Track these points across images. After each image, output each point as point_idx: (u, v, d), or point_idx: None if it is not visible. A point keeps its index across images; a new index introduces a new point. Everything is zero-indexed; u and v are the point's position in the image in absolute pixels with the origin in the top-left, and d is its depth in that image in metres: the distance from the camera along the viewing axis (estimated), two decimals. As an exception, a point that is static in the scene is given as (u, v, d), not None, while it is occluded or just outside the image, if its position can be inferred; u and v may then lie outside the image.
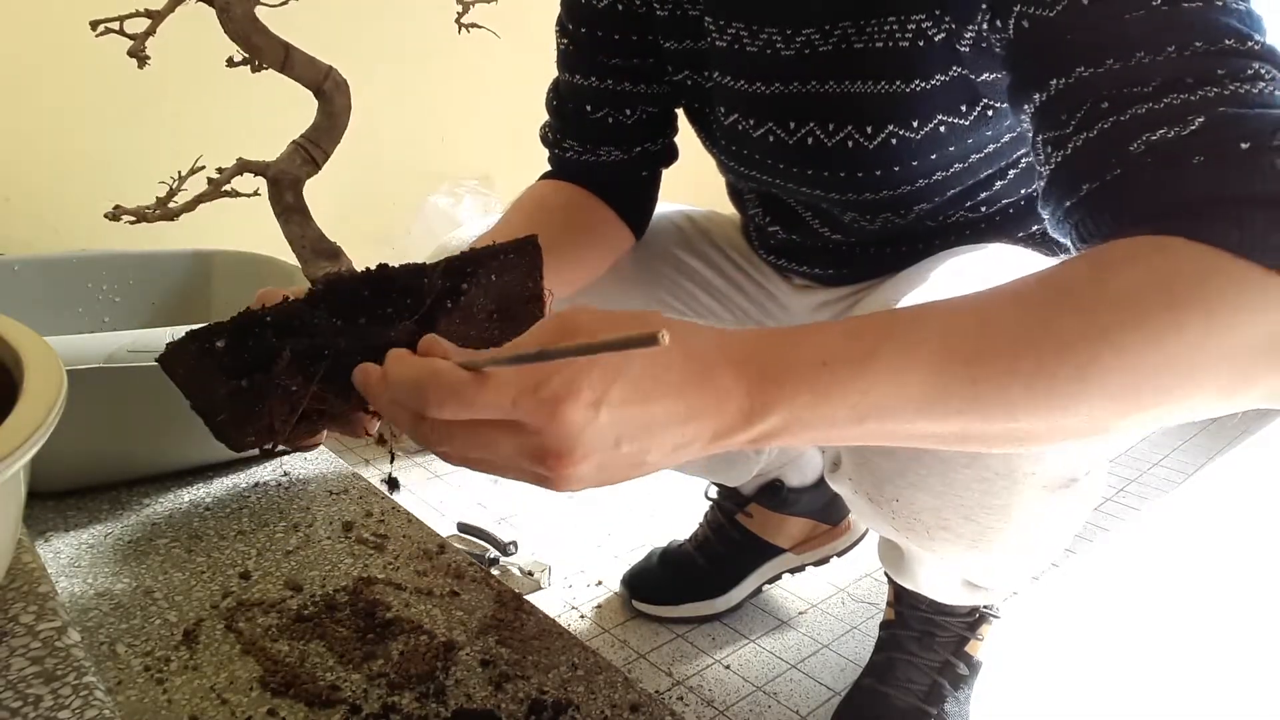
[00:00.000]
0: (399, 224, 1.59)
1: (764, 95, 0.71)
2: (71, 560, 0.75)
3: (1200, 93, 0.43)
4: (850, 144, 0.68)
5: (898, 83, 0.64)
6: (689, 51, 0.76)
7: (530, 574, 1.14)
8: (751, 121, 0.73)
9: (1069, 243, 0.49)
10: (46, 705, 0.39)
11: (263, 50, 0.45)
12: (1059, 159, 0.48)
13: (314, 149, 0.49)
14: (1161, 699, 0.98)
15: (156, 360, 0.52)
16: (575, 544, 1.25)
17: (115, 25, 0.44)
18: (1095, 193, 0.46)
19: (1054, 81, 0.49)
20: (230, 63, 0.44)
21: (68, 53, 1.25)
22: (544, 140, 0.85)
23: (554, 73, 0.84)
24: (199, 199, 0.47)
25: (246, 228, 1.44)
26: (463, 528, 1.22)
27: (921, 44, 0.61)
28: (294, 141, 0.49)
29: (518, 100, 1.64)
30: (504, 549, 1.17)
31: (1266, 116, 0.41)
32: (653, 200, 0.87)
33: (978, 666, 0.90)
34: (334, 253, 0.50)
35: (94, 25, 0.44)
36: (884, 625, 0.93)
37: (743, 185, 0.86)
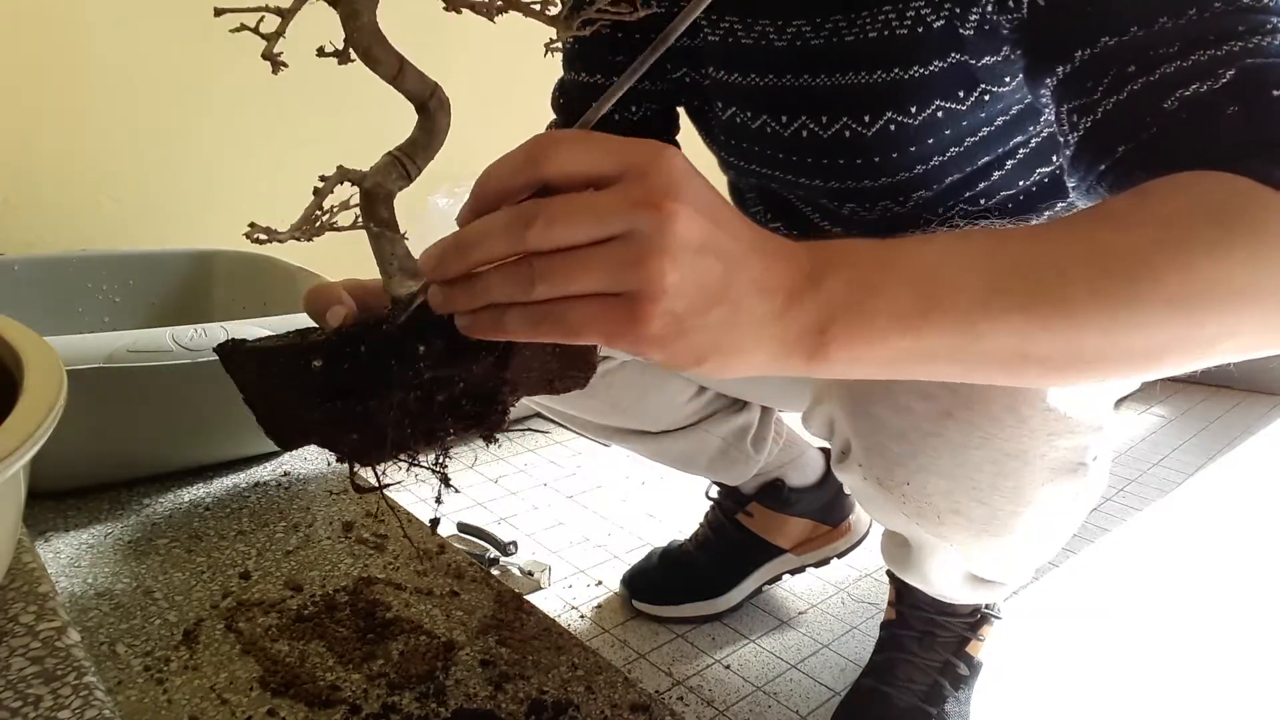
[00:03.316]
0: (401, 221, 1.59)
1: (759, 87, 0.71)
2: (71, 560, 0.75)
3: (1225, 48, 0.45)
4: (848, 133, 0.68)
5: (895, 70, 0.64)
6: (687, 49, 0.76)
7: (530, 574, 1.14)
8: (748, 114, 0.74)
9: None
10: (46, 705, 0.39)
11: (380, 62, 0.44)
12: (1088, 124, 0.49)
13: (409, 163, 0.47)
14: (1162, 699, 0.98)
15: (217, 353, 0.50)
16: (575, 544, 1.25)
17: (250, 22, 0.42)
18: (1132, 152, 0.47)
19: (1078, 53, 0.50)
20: (321, 52, 0.43)
21: (68, 53, 1.25)
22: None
23: (555, 73, 0.84)
24: (311, 221, 0.46)
25: (246, 228, 1.44)
26: (463, 528, 1.22)
27: (920, 30, 0.61)
28: (390, 154, 0.47)
29: (518, 101, 1.64)
30: (504, 549, 1.17)
31: None
32: (672, 137, 0.87)
33: (978, 667, 0.90)
34: (417, 271, 0.49)
35: (218, 13, 0.42)
36: (885, 625, 0.93)
37: (743, 182, 0.86)
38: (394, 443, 0.48)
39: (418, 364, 0.47)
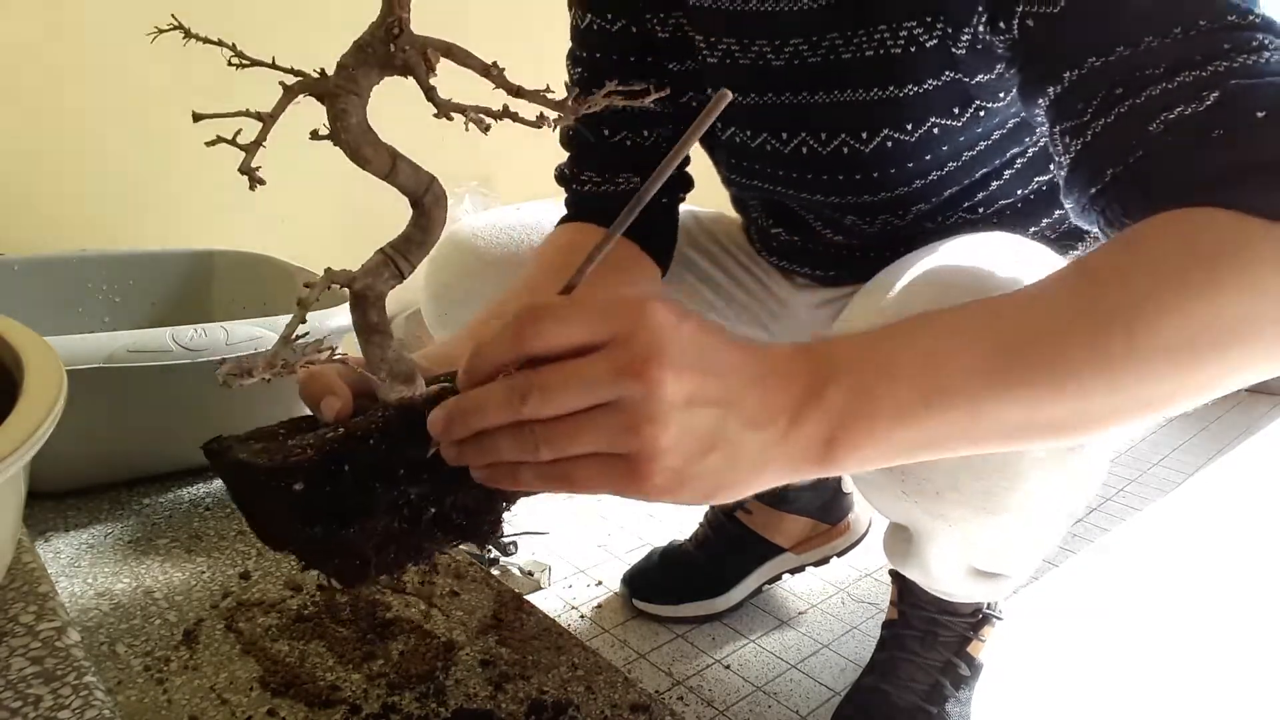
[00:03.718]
0: (398, 225, 1.59)
1: (758, 106, 0.72)
2: (71, 560, 0.75)
3: (1210, 68, 0.45)
4: (846, 150, 0.69)
5: (890, 88, 0.64)
6: (691, 73, 0.77)
7: (530, 574, 1.14)
8: (748, 133, 0.74)
9: (1096, 229, 0.50)
10: (46, 705, 0.39)
11: (370, 161, 0.43)
12: (1079, 147, 0.49)
13: (402, 261, 0.46)
14: (1162, 699, 0.98)
15: (204, 452, 0.51)
16: (575, 544, 1.25)
17: (228, 131, 0.43)
18: (1120, 176, 0.47)
19: (1067, 74, 0.50)
20: (315, 135, 0.42)
21: (68, 53, 1.25)
22: (560, 179, 0.85)
23: (555, 73, 0.84)
24: (289, 341, 0.45)
25: (246, 228, 1.44)
26: (463, 528, 1.22)
27: (914, 50, 0.61)
28: (381, 251, 0.46)
29: (517, 103, 1.64)
30: (504, 549, 1.17)
31: (1277, 84, 0.43)
32: (674, 232, 0.86)
33: (979, 668, 0.90)
34: (410, 376, 0.49)
35: (196, 118, 0.42)
36: (886, 625, 0.93)
37: (746, 195, 0.87)
38: (377, 568, 0.48)
39: (403, 485, 0.46)
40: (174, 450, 0.91)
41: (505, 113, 0.41)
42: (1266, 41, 0.45)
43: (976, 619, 0.89)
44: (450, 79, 0.45)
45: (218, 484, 0.91)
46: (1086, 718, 0.95)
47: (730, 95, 0.42)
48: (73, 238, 1.29)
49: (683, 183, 0.85)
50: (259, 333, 0.84)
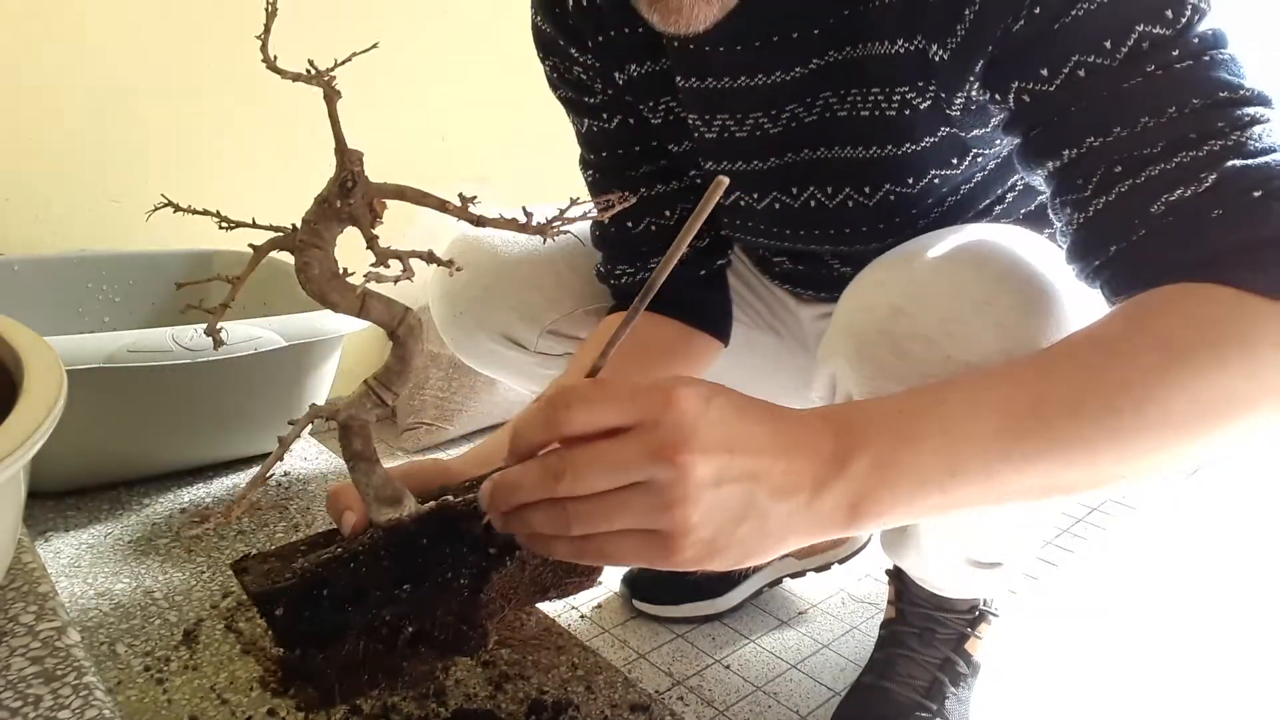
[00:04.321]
0: (398, 225, 1.59)
1: (760, 171, 0.72)
2: (71, 560, 0.75)
3: (1207, 147, 0.46)
4: (850, 204, 0.70)
5: (889, 147, 0.65)
6: (692, 151, 0.77)
7: (530, 574, 1.14)
8: (755, 195, 0.75)
9: (1103, 295, 0.52)
10: (46, 705, 0.39)
11: (339, 304, 0.45)
12: (1081, 221, 0.51)
13: (384, 391, 0.48)
14: (1161, 699, 0.98)
15: (232, 570, 0.55)
16: (575, 544, 1.25)
17: (197, 304, 0.47)
18: (1124, 252, 0.49)
19: (1066, 152, 0.51)
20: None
21: (68, 53, 1.25)
22: (599, 277, 0.86)
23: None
24: (252, 495, 0.47)
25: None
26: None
27: (908, 113, 0.62)
28: (365, 383, 0.49)
29: (518, 101, 1.64)
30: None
31: (1271, 164, 0.45)
32: (724, 302, 0.86)
33: (977, 667, 0.90)
34: (397, 498, 0.51)
35: (179, 286, 0.46)
36: (885, 624, 0.93)
37: (748, 244, 0.87)
38: (342, 694, 0.49)
39: (378, 607, 0.48)
40: (174, 450, 0.91)
41: (432, 257, 0.44)
42: (1259, 115, 0.47)
43: (973, 616, 0.89)
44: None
45: (218, 484, 0.91)
46: (1085, 717, 0.95)
47: (727, 181, 0.43)
48: (73, 238, 1.29)
49: (719, 250, 0.85)
50: (259, 333, 0.84)
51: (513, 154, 1.68)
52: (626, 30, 0.72)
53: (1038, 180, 0.55)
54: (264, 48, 0.41)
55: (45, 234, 1.28)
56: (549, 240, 0.45)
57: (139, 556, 0.76)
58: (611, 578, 1.15)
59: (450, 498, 0.53)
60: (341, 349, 1.00)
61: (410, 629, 0.48)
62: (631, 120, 0.78)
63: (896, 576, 0.93)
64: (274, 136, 1.41)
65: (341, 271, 0.45)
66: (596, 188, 0.83)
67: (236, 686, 0.59)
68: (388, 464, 0.52)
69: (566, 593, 0.54)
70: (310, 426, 0.48)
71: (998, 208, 0.73)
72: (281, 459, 0.47)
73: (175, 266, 1.17)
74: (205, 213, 0.44)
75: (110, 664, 0.61)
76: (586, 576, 0.55)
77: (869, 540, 1.14)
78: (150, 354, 0.80)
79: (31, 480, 0.44)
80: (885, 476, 0.42)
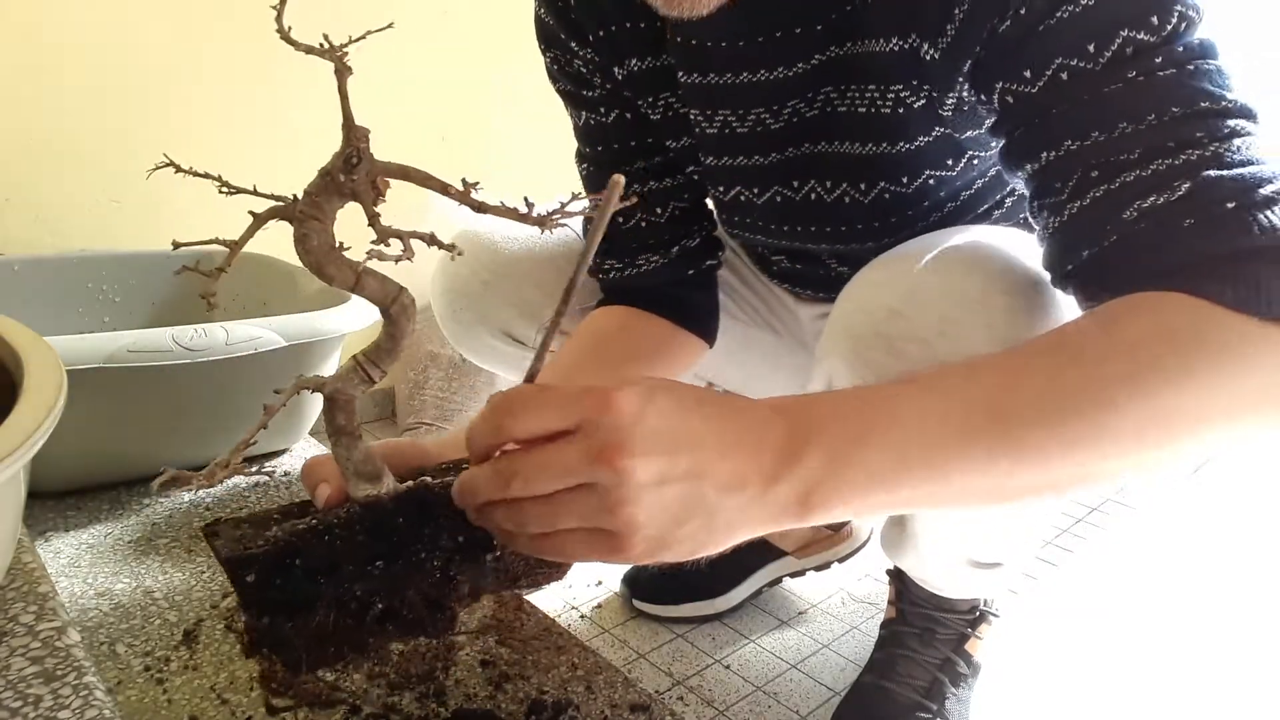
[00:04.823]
0: (397, 225, 1.59)
1: (761, 166, 0.73)
2: (71, 560, 0.75)
3: (1184, 156, 0.46)
4: (848, 200, 0.70)
5: (884, 145, 0.65)
6: (691, 147, 0.77)
7: (530, 574, 1.14)
8: (755, 190, 0.75)
9: (1075, 299, 0.52)
10: (46, 705, 0.39)
11: (334, 277, 0.45)
12: (1056, 224, 0.51)
13: (372, 368, 0.49)
14: (1161, 699, 0.98)
15: (203, 533, 0.55)
16: (575, 544, 1.25)
17: (193, 265, 0.46)
18: (1095, 257, 0.49)
19: (1044, 154, 0.51)
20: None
21: (68, 53, 1.25)
22: (589, 272, 0.86)
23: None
24: (235, 460, 0.48)
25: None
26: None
27: (902, 111, 0.62)
28: (354, 358, 0.49)
29: (518, 101, 1.64)
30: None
31: (1247, 176, 0.44)
32: (711, 302, 0.86)
33: (977, 667, 0.90)
34: (377, 475, 0.51)
35: (175, 245, 0.47)
36: (885, 624, 0.93)
37: (746, 241, 0.87)
38: (309, 664, 0.49)
39: (349, 581, 0.48)
40: (174, 450, 0.91)
41: (434, 240, 0.44)
42: (1238, 128, 0.46)
43: (973, 616, 0.89)
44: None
45: (218, 485, 0.91)
46: (1085, 717, 0.95)
47: (623, 180, 0.43)
48: (73, 238, 1.29)
49: (709, 250, 0.85)
50: (258, 333, 0.84)
51: (513, 154, 1.68)
52: (628, 25, 0.72)
53: (1019, 182, 0.55)
54: (279, 18, 0.41)
55: (45, 234, 1.28)
56: (547, 232, 0.45)
57: (139, 556, 0.76)
58: (611, 578, 1.15)
59: (429, 479, 0.53)
60: (341, 349, 1.00)
61: (380, 605, 0.48)
62: (629, 115, 0.78)
63: (897, 577, 0.93)
64: (274, 137, 1.41)
65: (339, 246, 0.45)
66: (591, 181, 0.83)
67: (236, 686, 0.59)
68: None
69: (537, 583, 0.55)
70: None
71: (997, 212, 0.73)
72: (266, 426, 0.47)
73: (175, 267, 1.17)
74: (206, 175, 0.44)
75: (110, 664, 0.61)
76: (556, 569, 0.55)
77: (869, 539, 1.14)
78: (150, 354, 0.80)
79: (31, 480, 0.44)
80: (837, 470, 0.42)
